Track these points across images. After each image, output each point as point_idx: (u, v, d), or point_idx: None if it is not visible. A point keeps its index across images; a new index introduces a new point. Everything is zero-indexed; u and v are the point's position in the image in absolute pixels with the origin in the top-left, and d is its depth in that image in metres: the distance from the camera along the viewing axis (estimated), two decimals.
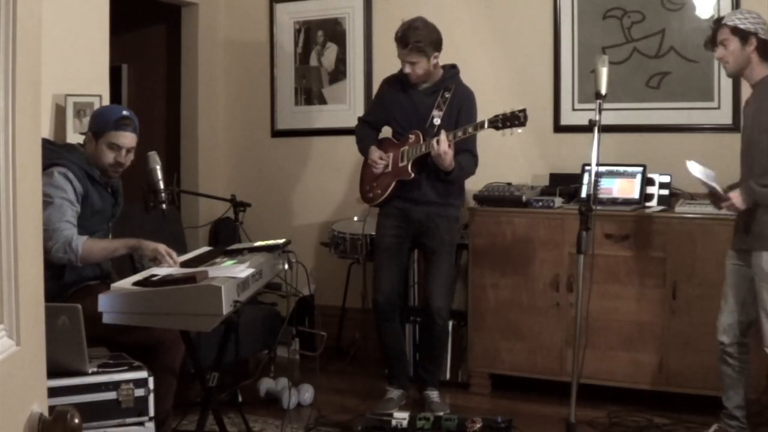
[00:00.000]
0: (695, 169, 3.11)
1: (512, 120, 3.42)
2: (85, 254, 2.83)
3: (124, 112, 3.03)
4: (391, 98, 3.82)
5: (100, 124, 2.99)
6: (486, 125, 3.47)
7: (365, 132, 3.94)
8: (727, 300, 3.18)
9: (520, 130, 3.44)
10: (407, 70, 3.64)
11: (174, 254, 2.89)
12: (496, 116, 3.45)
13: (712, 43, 3.15)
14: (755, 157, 3.02)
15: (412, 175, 3.68)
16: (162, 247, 2.87)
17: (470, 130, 3.52)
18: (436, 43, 3.62)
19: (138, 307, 2.48)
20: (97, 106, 3.59)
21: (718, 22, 3.12)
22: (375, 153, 3.79)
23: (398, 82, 3.79)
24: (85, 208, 2.94)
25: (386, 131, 3.96)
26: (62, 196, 2.83)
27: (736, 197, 2.99)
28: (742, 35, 3.01)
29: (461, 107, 3.70)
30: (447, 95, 3.69)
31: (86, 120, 3.38)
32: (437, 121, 3.67)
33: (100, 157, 3.00)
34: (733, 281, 3.16)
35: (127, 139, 3.00)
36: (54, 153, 2.91)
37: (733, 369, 3.20)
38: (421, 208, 3.73)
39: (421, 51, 3.57)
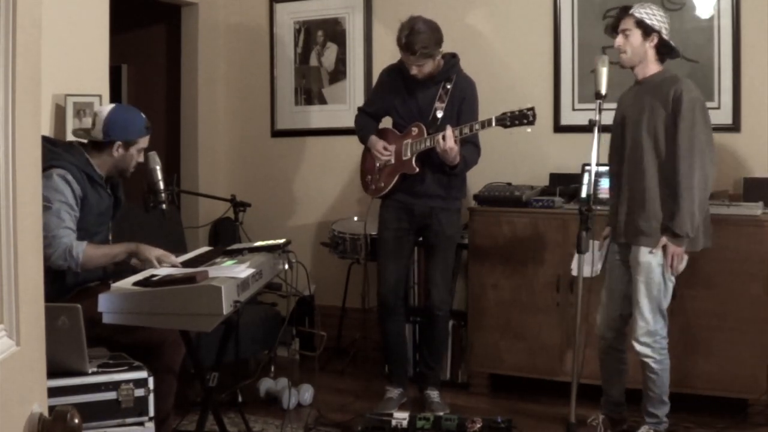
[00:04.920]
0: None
1: (521, 118, 3.40)
2: (86, 261, 2.81)
3: (143, 115, 3.10)
4: (392, 90, 3.80)
5: (133, 133, 3.02)
6: (494, 123, 3.45)
7: (365, 121, 3.92)
8: (611, 294, 3.31)
9: (529, 129, 3.43)
10: (414, 72, 3.61)
11: (170, 257, 2.88)
12: (504, 114, 3.43)
13: (613, 29, 3.23)
14: (642, 157, 3.12)
15: (417, 169, 3.67)
16: (154, 257, 2.84)
17: (477, 127, 3.51)
18: (440, 41, 3.60)
19: (138, 307, 2.47)
20: (97, 106, 3.58)
21: (624, 11, 3.18)
22: (379, 143, 3.78)
23: (399, 73, 3.77)
24: (84, 211, 2.92)
25: (386, 122, 3.95)
26: (61, 200, 2.80)
27: (675, 252, 3.07)
28: (646, 29, 3.09)
29: (463, 99, 3.69)
30: (448, 86, 3.68)
31: (87, 120, 3.37)
32: (440, 114, 3.66)
33: (128, 162, 3.05)
34: (615, 275, 3.28)
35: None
36: (53, 153, 2.87)
37: (617, 361, 3.37)
38: (425, 202, 3.73)
39: (429, 55, 3.56)
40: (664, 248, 3.08)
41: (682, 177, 2.99)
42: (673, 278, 3.15)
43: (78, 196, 2.88)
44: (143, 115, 3.10)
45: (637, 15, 3.09)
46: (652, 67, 3.14)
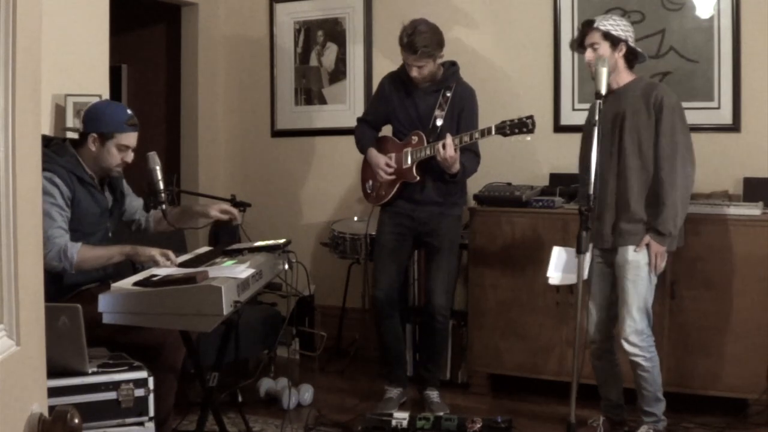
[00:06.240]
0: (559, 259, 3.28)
1: (520, 126, 3.42)
2: (80, 262, 2.78)
3: (129, 111, 2.99)
4: (392, 97, 3.81)
5: (109, 126, 2.91)
6: (493, 131, 3.46)
7: (365, 132, 3.92)
8: (596, 299, 3.31)
9: (528, 138, 3.44)
10: (415, 74, 3.62)
11: (171, 255, 2.86)
12: (504, 122, 3.45)
13: (579, 44, 3.26)
14: (625, 161, 3.13)
15: (417, 178, 3.68)
16: (156, 254, 2.82)
17: (477, 135, 3.52)
18: (441, 43, 3.61)
19: (138, 307, 2.47)
20: None
21: (588, 25, 3.19)
22: (381, 160, 3.76)
23: (399, 80, 3.78)
24: (76, 212, 2.88)
25: (386, 129, 3.95)
26: (51, 202, 2.77)
27: (658, 250, 3.10)
28: (613, 41, 3.13)
29: (463, 107, 3.69)
30: (448, 94, 3.69)
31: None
32: (439, 122, 3.66)
33: (106, 159, 2.94)
34: (599, 280, 3.29)
35: (135, 138, 2.98)
36: (43, 155, 2.84)
37: (610, 363, 3.37)
38: (425, 209, 3.74)
39: (430, 55, 3.57)
40: (648, 247, 3.12)
41: (666, 177, 3.06)
42: (655, 278, 3.18)
43: (67, 197, 2.84)
44: (129, 112, 2.97)
45: (603, 28, 3.12)
46: (624, 75, 3.19)
